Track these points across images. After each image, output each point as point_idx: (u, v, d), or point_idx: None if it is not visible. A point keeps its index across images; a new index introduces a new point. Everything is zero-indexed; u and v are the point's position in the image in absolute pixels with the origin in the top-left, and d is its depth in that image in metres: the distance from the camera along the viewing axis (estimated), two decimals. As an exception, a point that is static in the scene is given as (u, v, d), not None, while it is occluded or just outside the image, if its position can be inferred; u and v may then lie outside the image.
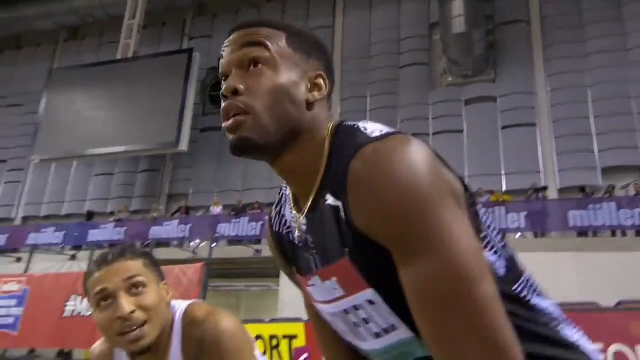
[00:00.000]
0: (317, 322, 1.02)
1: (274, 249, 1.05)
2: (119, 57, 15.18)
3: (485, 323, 0.66)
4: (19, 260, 13.45)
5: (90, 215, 14.48)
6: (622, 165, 11.47)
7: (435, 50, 14.13)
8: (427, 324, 0.70)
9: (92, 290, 1.19)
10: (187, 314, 1.31)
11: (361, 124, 0.84)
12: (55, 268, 12.34)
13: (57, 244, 13.22)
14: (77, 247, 13.24)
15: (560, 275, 8.68)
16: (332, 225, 0.81)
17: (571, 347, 0.83)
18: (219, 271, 11.14)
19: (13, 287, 10.88)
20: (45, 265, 12.56)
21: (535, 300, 0.82)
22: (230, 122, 0.81)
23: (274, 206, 1.05)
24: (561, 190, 11.95)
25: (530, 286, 0.83)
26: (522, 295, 0.79)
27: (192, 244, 12.37)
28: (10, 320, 10.27)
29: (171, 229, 12.19)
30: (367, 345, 0.90)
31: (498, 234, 0.84)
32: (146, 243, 12.03)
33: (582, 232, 10.31)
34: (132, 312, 1.16)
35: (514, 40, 13.43)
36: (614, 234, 10.24)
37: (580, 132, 12.08)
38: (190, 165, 15.18)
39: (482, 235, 0.79)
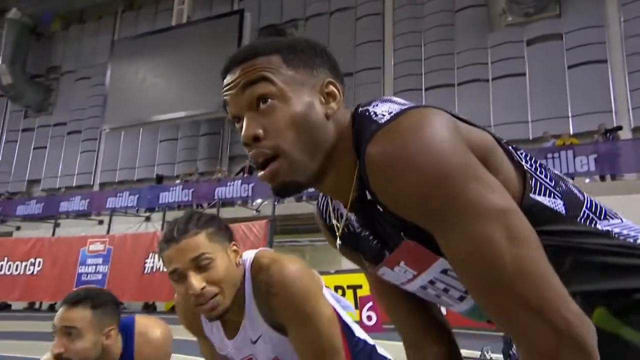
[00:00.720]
0: (378, 287, 1.00)
1: (329, 235, 1.02)
2: (173, 23, 15.41)
3: (526, 287, 0.63)
4: (100, 222, 14.52)
5: (159, 179, 15.19)
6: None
7: (493, -12, 13.23)
8: (475, 296, 0.69)
9: (166, 267, 1.25)
10: (254, 262, 1.34)
11: (371, 108, 0.80)
12: (133, 229, 13.26)
13: (132, 207, 14.06)
14: (151, 209, 14.03)
15: (634, 218, 8.27)
16: (378, 216, 0.81)
17: None
18: (282, 227, 11.49)
19: (99, 247, 11.86)
20: (123, 226, 13.50)
21: (603, 224, 0.79)
22: (265, 172, 0.78)
23: (319, 204, 1.03)
24: (635, 130, 11.16)
25: (595, 211, 0.80)
26: (588, 224, 0.77)
27: (255, 202, 12.77)
28: (99, 277, 11.28)
29: (234, 188, 12.52)
30: (455, 309, 0.90)
31: (549, 174, 0.81)
32: (212, 203, 12.55)
33: (659, 173, 9.72)
34: (203, 288, 1.20)
35: (581, -32, 12.36)
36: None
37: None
38: (248, 126, 15.38)
39: (532, 180, 0.77)
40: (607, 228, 0.79)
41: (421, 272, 0.82)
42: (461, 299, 0.86)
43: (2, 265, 12.67)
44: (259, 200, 12.61)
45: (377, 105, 0.80)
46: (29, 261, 12.41)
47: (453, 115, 0.79)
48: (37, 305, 13.26)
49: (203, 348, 1.53)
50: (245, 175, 13.19)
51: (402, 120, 0.73)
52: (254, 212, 12.31)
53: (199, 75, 13.92)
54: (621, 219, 0.83)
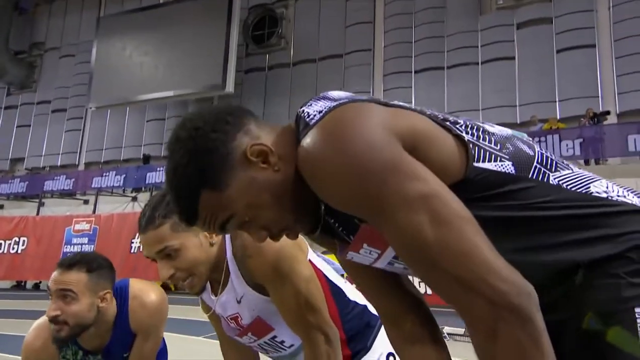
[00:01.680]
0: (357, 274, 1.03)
1: None
2: (161, 0, 15.22)
3: (454, 265, 0.65)
4: (86, 202, 14.41)
5: (146, 158, 15.05)
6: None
7: (485, -28, 13.18)
8: (420, 279, 0.72)
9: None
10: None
11: (306, 109, 0.82)
12: (120, 209, 13.16)
13: (119, 187, 13.94)
14: (137, 189, 13.92)
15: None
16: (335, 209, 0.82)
17: (603, 200, 0.82)
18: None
19: (84, 226, 11.76)
20: (110, 206, 13.41)
21: (555, 175, 0.80)
22: None
23: None
24: (620, 115, 11.31)
25: (546, 164, 0.81)
26: (540, 178, 0.78)
27: None
28: (85, 256, 11.23)
29: (220, 167, 12.56)
30: None
31: (493, 138, 0.82)
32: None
33: (644, 156, 9.89)
34: (172, 275, 1.24)
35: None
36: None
37: (644, 51, 11.22)
38: (237, 107, 15.37)
39: (475, 149, 0.78)
40: (557, 180, 0.80)
41: (384, 250, 0.84)
42: None
43: (-15, 244, 12.55)
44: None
45: (310, 105, 0.82)
46: (13, 240, 12.29)
47: (384, 104, 0.80)
48: (23, 284, 13.19)
49: (212, 322, 1.55)
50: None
51: (326, 120, 0.75)
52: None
53: (188, 54, 13.89)
54: (572, 169, 0.84)
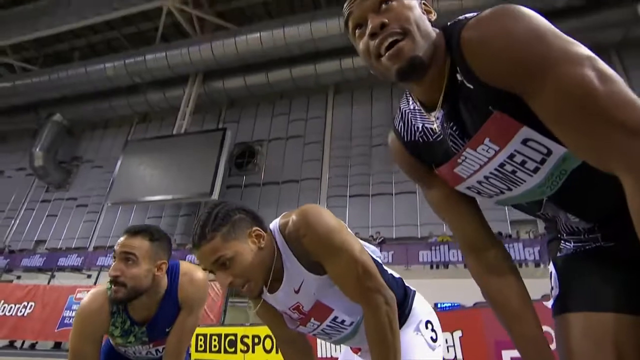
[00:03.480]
0: (452, 206, 0.90)
1: (407, 156, 0.92)
2: (174, 132, 15.71)
3: (623, 112, 0.56)
4: (89, 276, 14.12)
5: (143, 246, 15.01)
6: (524, 219, 11.82)
7: (397, 134, 14.89)
8: (570, 134, 0.61)
9: None
10: (280, 224, 1.20)
11: (458, 18, 0.73)
12: (116, 283, 12.91)
13: (118, 266, 13.82)
14: (132, 269, 13.83)
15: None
16: (469, 96, 0.71)
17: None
18: (235, 290, 11.50)
19: (84, 294, 11.51)
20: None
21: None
22: (391, 51, 0.72)
23: (394, 127, 0.94)
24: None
25: None
26: None
27: None
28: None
29: (201, 256, 12.58)
30: (524, 186, 0.77)
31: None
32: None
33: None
34: (230, 283, 1.08)
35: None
36: (520, 265, 10.75)
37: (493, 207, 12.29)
38: (218, 213, 15.43)
39: None
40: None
41: (503, 147, 0.72)
42: (536, 170, 0.73)
43: (-3, 307, 12.05)
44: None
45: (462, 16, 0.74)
46: (22, 304, 11.75)
47: None
48: (17, 344, 12.26)
49: (260, 312, 1.33)
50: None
51: (489, 10, 0.68)
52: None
53: (186, 170, 14.15)
54: None
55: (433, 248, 10.94)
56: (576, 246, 0.83)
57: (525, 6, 0.68)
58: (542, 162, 0.72)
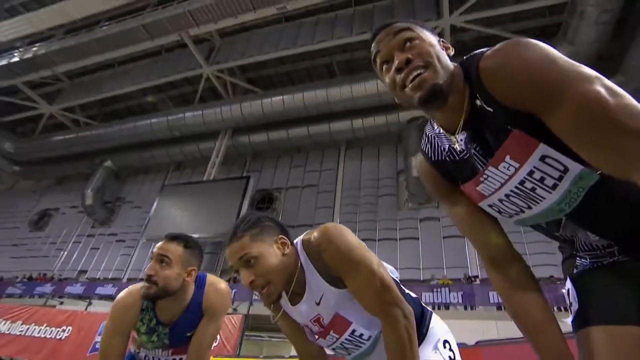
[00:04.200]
0: (475, 220, 0.87)
1: (434, 175, 0.92)
2: (204, 179, 16.08)
3: (635, 120, 0.56)
4: None
5: (169, 279, 15.06)
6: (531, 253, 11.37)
7: (401, 186, 14.63)
8: (587, 143, 0.60)
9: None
10: (304, 240, 1.18)
11: (476, 51, 0.74)
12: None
13: (147, 297, 13.92)
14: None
15: (485, 336, 8.40)
16: (489, 119, 0.72)
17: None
18: (252, 324, 11.42)
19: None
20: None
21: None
22: (414, 82, 0.74)
23: (422, 150, 0.94)
24: (483, 280, 11.77)
25: None
26: None
27: (235, 302, 12.90)
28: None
29: (222, 292, 12.41)
30: (544, 204, 0.75)
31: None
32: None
33: (500, 307, 10.23)
34: (252, 281, 1.06)
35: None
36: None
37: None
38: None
39: None
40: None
41: (523, 164, 0.71)
42: (554, 186, 0.72)
43: (40, 329, 12.26)
44: (237, 302, 12.83)
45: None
46: (61, 328, 11.93)
47: None
48: None
49: (282, 324, 1.27)
50: (230, 282, 13.70)
51: (503, 43, 0.69)
52: (233, 309, 12.36)
53: (212, 212, 14.43)
54: None
55: (435, 290, 10.90)
56: (592, 261, 0.80)
57: None
58: (560, 179, 0.71)
